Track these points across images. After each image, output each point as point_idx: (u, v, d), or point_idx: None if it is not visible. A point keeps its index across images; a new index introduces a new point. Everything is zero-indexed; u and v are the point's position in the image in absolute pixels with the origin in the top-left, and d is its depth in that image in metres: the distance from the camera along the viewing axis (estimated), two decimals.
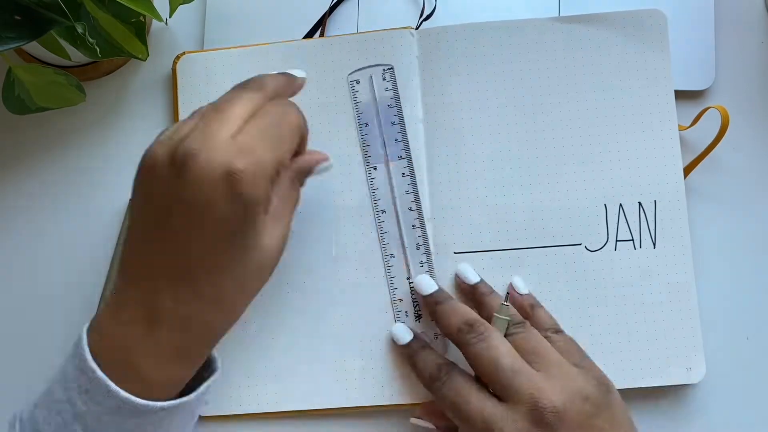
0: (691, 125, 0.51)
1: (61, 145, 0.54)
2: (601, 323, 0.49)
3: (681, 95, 0.53)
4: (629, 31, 0.51)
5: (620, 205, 0.50)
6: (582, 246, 0.50)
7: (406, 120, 0.50)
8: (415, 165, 0.50)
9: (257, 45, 0.52)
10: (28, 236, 0.53)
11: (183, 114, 0.52)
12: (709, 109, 0.51)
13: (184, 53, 0.52)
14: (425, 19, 0.53)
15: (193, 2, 0.50)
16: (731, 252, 0.51)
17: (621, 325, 0.49)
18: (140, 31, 0.48)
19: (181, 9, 0.50)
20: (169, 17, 0.50)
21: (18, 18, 0.42)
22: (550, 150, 0.50)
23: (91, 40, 0.45)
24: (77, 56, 0.50)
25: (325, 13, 0.53)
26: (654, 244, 0.49)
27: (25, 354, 0.52)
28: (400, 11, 0.54)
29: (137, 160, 0.53)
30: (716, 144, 0.50)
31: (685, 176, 0.50)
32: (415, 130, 0.50)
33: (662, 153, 0.50)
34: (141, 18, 0.47)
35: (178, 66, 0.52)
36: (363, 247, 0.50)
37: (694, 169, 0.51)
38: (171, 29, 0.54)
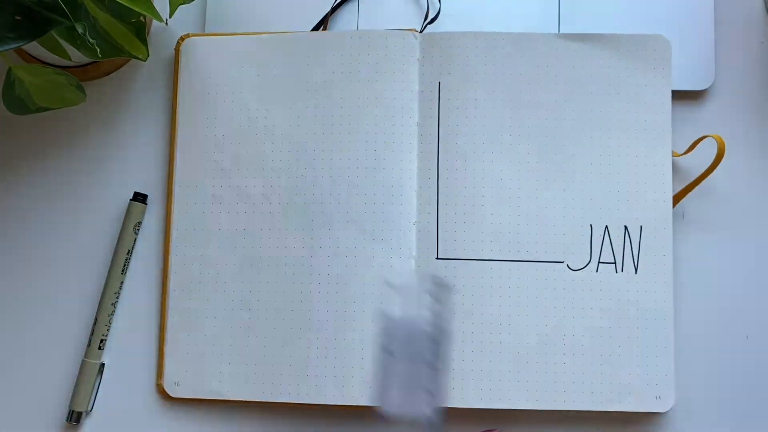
0: (686, 152, 0.51)
1: (61, 145, 0.54)
2: (575, 343, 0.49)
3: (681, 95, 0.53)
4: (633, 55, 0.50)
5: (606, 227, 0.49)
6: (564, 264, 0.49)
7: (401, 124, 0.50)
8: (406, 169, 0.50)
9: (260, 33, 0.52)
10: (29, 236, 0.53)
11: (182, 96, 0.52)
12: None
13: (188, 35, 0.52)
14: (429, 23, 0.53)
15: (193, 2, 0.50)
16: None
17: (595, 347, 0.48)
18: (140, 31, 0.48)
19: (181, 9, 0.50)
20: (169, 17, 0.49)
21: (18, 18, 0.42)
22: (541, 165, 0.50)
23: (91, 40, 0.45)
24: (77, 56, 0.50)
25: (327, 13, 0.53)
26: (636, 269, 0.49)
27: (25, 350, 0.52)
28: (402, 15, 0.53)
29: (138, 159, 0.53)
30: (709, 173, 0.50)
31: (676, 202, 0.50)
32: (409, 133, 0.50)
33: (653, 179, 0.50)
34: (141, 18, 0.47)
35: (181, 48, 0.52)
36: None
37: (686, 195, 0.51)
38: (171, 29, 0.54)
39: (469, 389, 0.48)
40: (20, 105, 0.48)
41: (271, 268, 0.50)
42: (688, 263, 0.51)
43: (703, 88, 0.53)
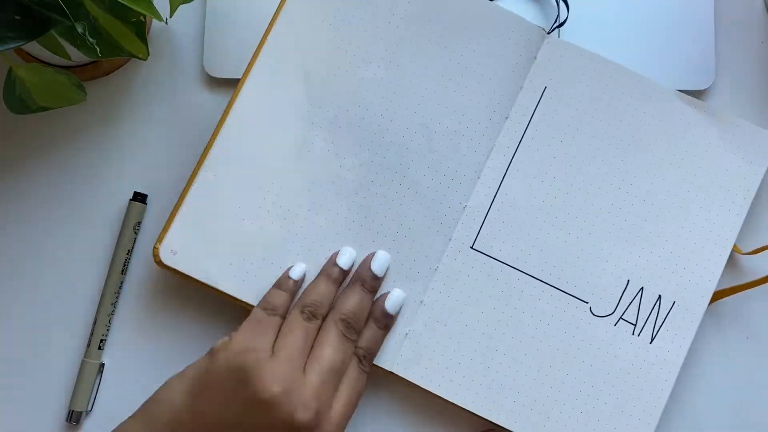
0: (752, 252, 0.50)
1: (62, 144, 0.54)
2: (565, 383, 0.48)
3: None
4: (739, 142, 0.50)
5: (642, 288, 0.49)
6: (588, 305, 0.49)
7: (493, 110, 0.50)
8: (479, 153, 0.50)
9: None
10: (29, 235, 0.53)
11: (273, 35, 0.50)
12: None
13: None
14: (559, 26, 0.52)
15: (193, 2, 0.50)
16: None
17: (583, 396, 0.48)
18: (140, 30, 0.48)
19: (181, 9, 0.50)
20: (170, 17, 0.49)
21: (18, 18, 0.42)
22: (607, 207, 0.50)
23: (91, 39, 0.45)
24: (77, 56, 0.50)
25: None
26: (652, 340, 0.49)
27: (25, 350, 0.52)
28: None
29: (138, 159, 0.53)
30: (761, 283, 0.49)
31: (716, 298, 0.50)
32: (497, 121, 0.50)
33: (705, 264, 0.49)
34: (141, 18, 0.47)
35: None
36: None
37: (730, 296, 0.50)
38: (171, 29, 0.54)
39: (460, 382, 0.48)
40: (21, 104, 0.48)
41: (312, 194, 0.50)
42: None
43: (703, 88, 0.53)
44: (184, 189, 0.49)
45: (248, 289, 0.48)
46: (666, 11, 0.53)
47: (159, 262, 0.48)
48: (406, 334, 0.49)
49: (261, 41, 0.50)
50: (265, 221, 0.49)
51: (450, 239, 0.49)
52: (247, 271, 0.49)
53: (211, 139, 0.50)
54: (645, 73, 0.52)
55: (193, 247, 0.49)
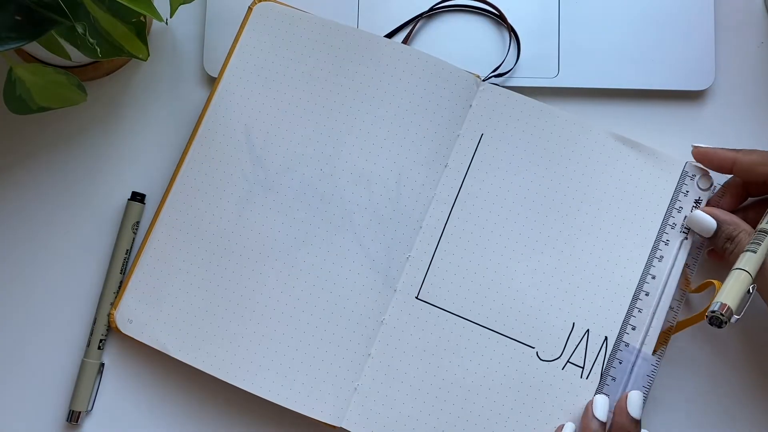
0: (696, 290, 0.49)
1: (62, 144, 0.54)
2: (515, 430, 0.48)
3: (681, 95, 0.53)
4: (655, 171, 0.49)
5: (587, 330, 0.48)
6: (535, 350, 0.48)
7: (432, 159, 0.50)
8: (420, 203, 0.50)
9: (337, 22, 0.51)
10: (29, 235, 0.53)
11: (237, 54, 0.51)
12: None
13: None
14: (496, 75, 0.52)
15: (193, 2, 0.50)
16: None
17: None
18: (141, 31, 0.48)
19: (182, 9, 0.50)
20: (170, 17, 0.50)
21: (18, 18, 0.42)
22: (549, 249, 0.49)
23: (91, 40, 0.45)
24: (78, 56, 0.50)
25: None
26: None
27: (25, 350, 0.52)
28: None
29: (136, 159, 0.53)
30: (700, 320, 0.47)
31: (666, 336, 0.48)
32: (436, 170, 0.50)
33: None
34: (141, 18, 0.47)
35: (255, 9, 0.52)
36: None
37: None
38: (171, 29, 0.55)
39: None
40: (22, 105, 0.48)
41: (256, 253, 0.50)
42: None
43: (703, 88, 0.53)
44: (137, 255, 0.51)
45: (205, 359, 0.49)
46: (666, 11, 0.53)
47: (116, 329, 0.50)
48: (355, 388, 0.48)
49: (207, 100, 0.52)
50: (212, 285, 0.50)
51: (395, 290, 0.49)
52: (195, 336, 0.49)
53: (162, 200, 0.51)
54: (645, 73, 0.52)
55: (146, 315, 0.50)
